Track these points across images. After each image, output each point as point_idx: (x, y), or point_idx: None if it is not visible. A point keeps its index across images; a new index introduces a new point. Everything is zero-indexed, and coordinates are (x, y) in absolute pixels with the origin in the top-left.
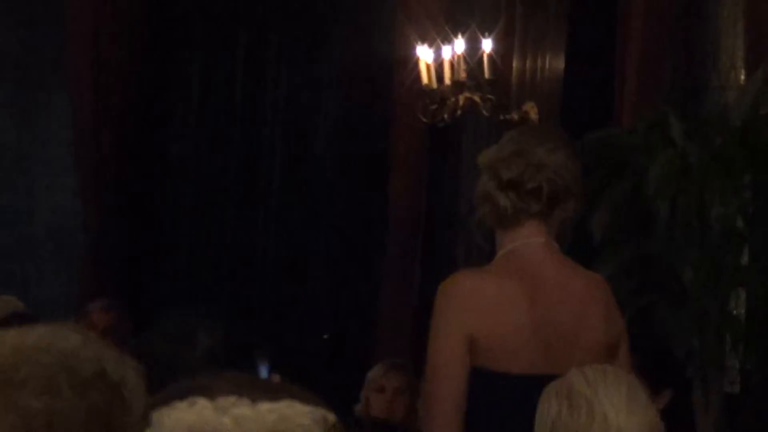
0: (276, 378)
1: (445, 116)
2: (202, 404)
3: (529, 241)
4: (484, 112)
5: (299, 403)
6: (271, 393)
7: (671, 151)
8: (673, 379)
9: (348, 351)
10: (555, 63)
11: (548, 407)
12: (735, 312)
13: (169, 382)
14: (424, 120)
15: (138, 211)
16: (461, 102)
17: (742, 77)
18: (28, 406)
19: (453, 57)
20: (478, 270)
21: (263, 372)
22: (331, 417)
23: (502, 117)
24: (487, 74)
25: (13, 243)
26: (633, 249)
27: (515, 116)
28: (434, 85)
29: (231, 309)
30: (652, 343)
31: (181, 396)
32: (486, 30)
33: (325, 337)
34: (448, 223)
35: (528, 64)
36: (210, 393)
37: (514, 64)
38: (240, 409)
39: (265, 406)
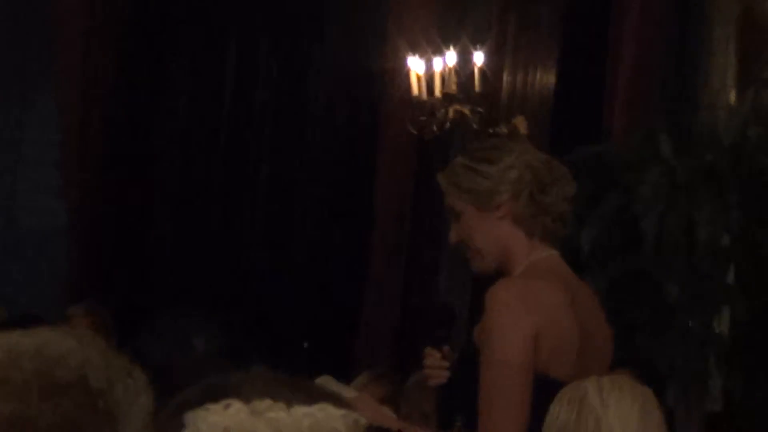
0: None
1: (434, 128)
2: (237, 407)
3: (553, 252)
4: (474, 125)
5: (332, 406)
6: (304, 395)
7: (661, 168)
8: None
9: (328, 361)
10: (546, 77)
11: (558, 412)
12: (718, 330)
13: (166, 385)
14: (413, 131)
15: (124, 212)
16: (451, 114)
17: (733, 97)
18: None
19: (444, 69)
20: (524, 277)
21: None
22: (362, 421)
23: (491, 130)
24: (477, 87)
25: None
26: (620, 265)
27: (504, 130)
28: (424, 96)
29: (214, 314)
30: (634, 360)
31: (214, 397)
32: (477, 43)
33: (305, 345)
34: (432, 239)
35: (519, 78)
36: (243, 395)
37: (505, 77)
38: (275, 413)
39: (299, 410)
